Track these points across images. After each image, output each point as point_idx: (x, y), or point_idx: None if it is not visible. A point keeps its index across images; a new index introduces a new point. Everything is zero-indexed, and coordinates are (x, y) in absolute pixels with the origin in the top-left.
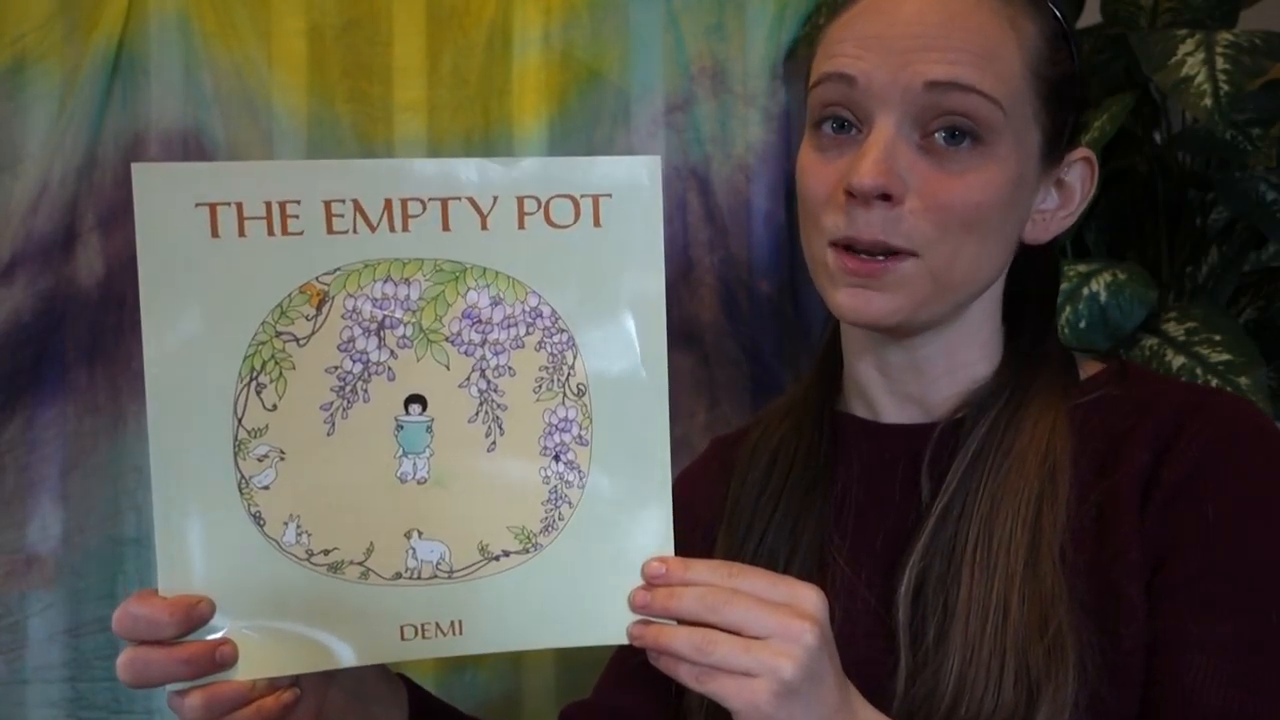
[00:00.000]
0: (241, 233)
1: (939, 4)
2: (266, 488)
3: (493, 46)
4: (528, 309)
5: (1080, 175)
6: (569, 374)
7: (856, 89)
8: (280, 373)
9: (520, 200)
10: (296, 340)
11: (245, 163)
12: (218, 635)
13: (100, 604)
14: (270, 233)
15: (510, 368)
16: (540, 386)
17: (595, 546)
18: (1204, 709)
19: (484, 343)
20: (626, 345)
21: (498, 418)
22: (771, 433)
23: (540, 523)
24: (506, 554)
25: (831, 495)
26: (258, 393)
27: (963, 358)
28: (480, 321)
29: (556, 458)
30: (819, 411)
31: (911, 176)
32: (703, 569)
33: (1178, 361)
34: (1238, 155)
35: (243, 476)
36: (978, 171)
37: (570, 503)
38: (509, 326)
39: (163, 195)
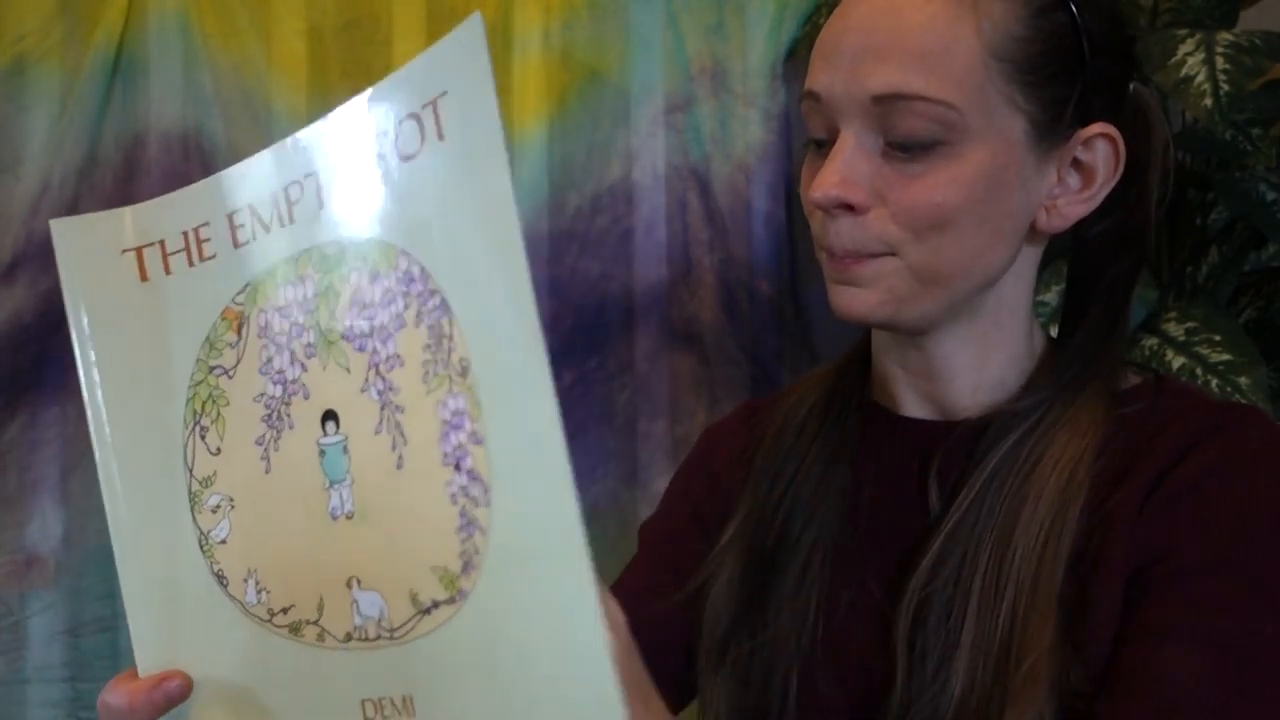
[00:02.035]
0: (167, 270)
1: (886, 3)
2: (224, 541)
3: (493, 46)
4: (400, 274)
5: (1102, 153)
6: (450, 348)
7: (822, 104)
8: (218, 412)
9: (376, 139)
10: (226, 372)
11: (162, 197)
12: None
13: (100, 604)
14: (190, 263)
15: (399, 356)
16: (428, 373)
17: (517, 586)
18: (1180, 699)
19: (372, 331)
20: (489, 285)
21: (397, 422)
22: (805, 399)
23: (459, 559)
24: (436, 604)
25: (851, 476)
26: (202, 437)
27: (983, 363)
28: (365, 305)
29: (458, 466)
30: (849, 391)
31: (876, 183)
32: None
33: (1178, 362)
34: (1238, 155)
35: (201, 532)
36: (940, 172)
37: (480, 528)
38: (389, 303)
39: (86, 248)
